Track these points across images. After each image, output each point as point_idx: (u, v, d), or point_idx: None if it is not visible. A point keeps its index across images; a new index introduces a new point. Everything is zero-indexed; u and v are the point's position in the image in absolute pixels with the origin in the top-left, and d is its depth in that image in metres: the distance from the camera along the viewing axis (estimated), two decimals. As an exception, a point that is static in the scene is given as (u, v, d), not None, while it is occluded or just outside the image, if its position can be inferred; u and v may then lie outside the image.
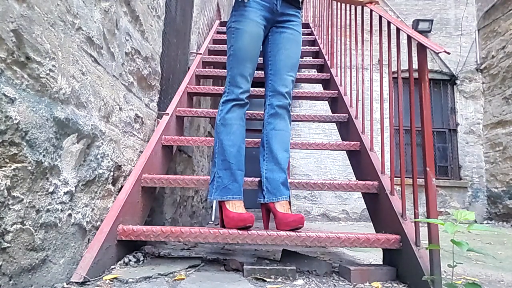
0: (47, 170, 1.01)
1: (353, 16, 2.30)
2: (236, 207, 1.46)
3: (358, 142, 1.97)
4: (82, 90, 1.20)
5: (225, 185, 1.48)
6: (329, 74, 2.80)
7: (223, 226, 1.49)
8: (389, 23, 1.66)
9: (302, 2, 1.85)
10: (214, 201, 4.17)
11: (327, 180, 1.77)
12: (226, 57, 3.09)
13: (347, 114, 2.24)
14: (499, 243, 2.85)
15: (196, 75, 2.77)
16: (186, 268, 1.39)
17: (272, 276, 1.29)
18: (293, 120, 2.22)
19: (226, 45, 1.75)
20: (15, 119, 0.87)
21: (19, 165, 0.90)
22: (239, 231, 1.38)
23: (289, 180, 1.63)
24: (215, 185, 1.50)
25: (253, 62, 1.60)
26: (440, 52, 1.23)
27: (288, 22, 1.68)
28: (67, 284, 1.11)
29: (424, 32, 5.83)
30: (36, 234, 0.98)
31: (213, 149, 1.59)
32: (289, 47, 1.66)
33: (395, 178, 1.71)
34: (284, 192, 1.55)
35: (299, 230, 1.45)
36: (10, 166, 0.87)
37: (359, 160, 1.96)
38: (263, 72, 2.80)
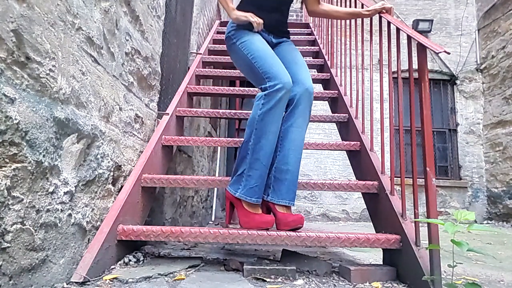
0: (47, 170, 1.01)
1: (353, 16, 2.30)
2: (254, 207, 1.47)
3: (358, 142, 1.97)
4: (82, 90, 1.20)
5: (252, 186, 1.45)
6: (329, 74, 2.80)
7: (229, 222, 1.51)
8: (389, 23, 1.66)
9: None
10: (214, 201, 4.17)
11: (327, 180, 1.77)
12: (227, 57, 3.08)
13: (347, 114, 2.24)
14: (499, 243, 2.85)
15: (196, 75, 2.77)
16: (186, 268, 1.39)
17: (272, 276, 1.29)
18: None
19: (226, 45, 1.74)
20: (15, 119, 0.87)
21: (19, 165, 0.90)
22: (239, 231, 1.38)
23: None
24: (244, 183, 1.46)
25: (277, 59, 1.56)
26: (440, 52, 1.23)
27: (282, 43, 1.77)
28: (67, 284, 1.11)
29: (424, 32, 5.83)
30: (36, 234, 0.98)
31: (242, 142, 1.52)
32: (293, 54, 1.71)
33: (395, 178, 1.71)
34: (286, 196, 1.50)
35: (299, 230, 1.45)
36: (10, 166, 0.87)
37: (359, 160, 1.96)
38: None
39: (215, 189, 4.10)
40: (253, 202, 1.45)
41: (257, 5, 1.65)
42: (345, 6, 2.55)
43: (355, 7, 2.26)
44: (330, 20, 3.19)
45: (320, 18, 3.77)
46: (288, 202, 1.50)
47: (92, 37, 1.27)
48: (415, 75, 3.85)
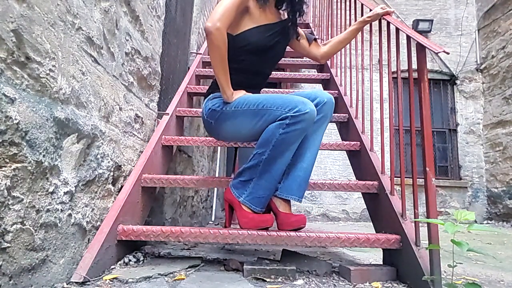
0: (47, 170, 1.01)
1: (353, 16, 2.30)
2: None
3: (358, 142, 1.97)
4: (82, 90, 1.20)
5: (259, 196, 1.41)
6: (329, 74, 2.80)
7: (229, 225, 1.50)
8: (388, 23, 1.66)
9: None
10: (214, 201, 4.17)
11: (327, 180, 1.77)
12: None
13: (347, 114, 2.24)
14: (499, 243, 2.85)
15: (196, 75, 2.77)
16: (186, 268, 1.39)
17: (272, 276, 1.29)
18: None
19: (209, 123, 1.59)
20: (15, 119, 0.88)
21: (19, 165, 0.90)
22: (239, 231, 1.38)
23: None
24: (250, 190, 1.42)
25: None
26: (439, 52, 1.23)
27: None
28: (67, 284, 1.11)
29: (424, 32, 5.83)
30: (36, 234, 0.98)
31: (254, 152, 1.44)
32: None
33: (395, 178, 1.71)
34: (296, 192, 1.48)
35: (299, 230, 1.45)
36: (10, 166, 0.87)
37: (359, 160, 1.96)
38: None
39: (215, 189, 4.10)
40: (256, 212, 1.43)
41: (237, 84, 1.50)
42: (345, 8, 2.55)
43: (355, 8, 2.26)
44: (330, 20, 3.20)
45: (320, 18, 3.77)
46: (298, 198, 1.48)
47: (92, 37, 1.27)
48: (415, 75, 3.84)
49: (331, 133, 5.74)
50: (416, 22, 5.94)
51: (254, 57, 1.52)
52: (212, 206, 4.17)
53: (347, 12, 2.49)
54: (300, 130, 1.36)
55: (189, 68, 2.86)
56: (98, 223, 1.35)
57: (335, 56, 2.82)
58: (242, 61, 1.50)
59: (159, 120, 2.03)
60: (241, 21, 1.47)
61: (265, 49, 1.52)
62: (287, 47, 1.72)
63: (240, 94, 1.47)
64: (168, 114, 2.07)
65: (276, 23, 1.56)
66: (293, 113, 1.34)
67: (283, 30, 1.59)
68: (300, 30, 1.74)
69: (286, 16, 1.65)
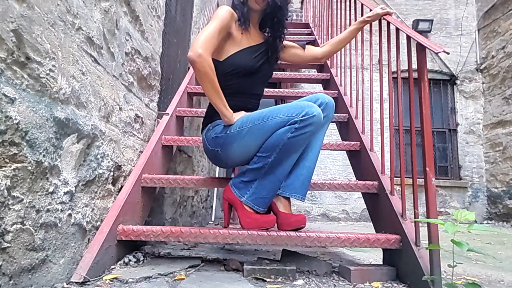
0: (47, 170, 1.01)
1: (353, 16, 2.30)
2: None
3: (358, 142, 1.97)
4: (82, 90, 1.20)
5: (262, 197, 1.41)
6: (329, 74, 2.80)
7: (228, 224, 1.49)
8: (388, 23, 1.66)
9: None
10: (214, 201, 4.17)
11: (327, 180, 1.77)
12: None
13: (347, 114, 2.24)
14: (499, 243, 2.85)
15: (196, 75, 2.77)
16: (186, 268, 1.39)
17: (272, 276, 1.29)
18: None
19: (212, 151, 1.56)
20: (15, 119, 0.88)
21: (19, 165, 0.90)
22: (239, 231, 1.38)
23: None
24: (253, 190, 1.41)
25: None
26: (439, 52, 1.23)
27: None
28: (67, 284, 1.11)
29: (424, 32, 5.83)
30: (36, 234, 0.98)
31: (258, 155, 1.41)
32: None
33: (395, 178, 1.71)
34: (299, 191, 1.48)
35: (299, 230, 1.45)
36: (10, 166, 0.87)
37: (359, 160, 1.96)
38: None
39: (215, 189, 4.10)
40: (259, 212, 1.43)
41: (232, 108, 1.46)
42: (345, 8, 2.55)
43: (355, 8, 2.26)
44: (330, 20, 3.20)
45: (320, 18, 3.77)
46: (301, 197, 1.48)
47: (92, 37, 1.27)
48: (415, 75, 3.85)
49: (331, 133, 5.74)
50: (416, 22, 5.94)
51: (244, 80, 1.52)
52: (212, 206, 4.17)
53: (347, 12, 2.49)
54: (309, 133, 1.36)
55: (189, 68, 2.86)
56: (98, 223, 1.35)
57: (335, 56, 2.82)
58: (233, 85, 1.50)
59: (159, 120, 2.03)
60: (225, 46, 1.49)
61: (253, 70, 1.52)
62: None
63: (241, 114, 1.46)
64: (168, 114, 2.07)
65: (261, 43, 1.58)
66: (301, 117, 1.33)
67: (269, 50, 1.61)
68: (289, 42, 1.74)
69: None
